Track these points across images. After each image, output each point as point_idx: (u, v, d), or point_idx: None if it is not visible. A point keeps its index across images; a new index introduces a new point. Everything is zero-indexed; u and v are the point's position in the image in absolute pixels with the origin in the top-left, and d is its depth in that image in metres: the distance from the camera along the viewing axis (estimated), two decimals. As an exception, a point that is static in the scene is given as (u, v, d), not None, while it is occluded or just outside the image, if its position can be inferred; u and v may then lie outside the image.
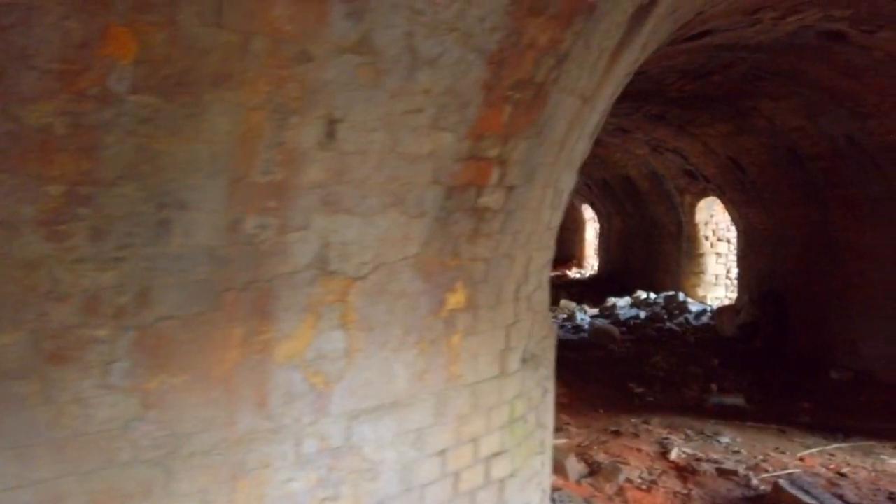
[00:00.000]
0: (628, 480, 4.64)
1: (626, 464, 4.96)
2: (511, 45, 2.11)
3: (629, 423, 6.01)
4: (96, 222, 1.59)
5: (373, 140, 1.99)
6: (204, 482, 1.87)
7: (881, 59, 5.81)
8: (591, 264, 19.96)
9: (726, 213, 11.36)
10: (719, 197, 10.94)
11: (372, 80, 1.87)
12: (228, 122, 1.68)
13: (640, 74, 7.14)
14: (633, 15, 2.64)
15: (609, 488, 4.48)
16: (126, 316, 1.70)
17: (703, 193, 11.96)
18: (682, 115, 9.14)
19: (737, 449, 5.43)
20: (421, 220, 2.28)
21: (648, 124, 10.08)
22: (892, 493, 4.55)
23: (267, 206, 1.86)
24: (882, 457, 5.31)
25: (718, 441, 5.60)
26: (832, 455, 5.35)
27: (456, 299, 2.53)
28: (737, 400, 6.72)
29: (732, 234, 12.05)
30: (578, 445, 5.35)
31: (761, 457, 5.26)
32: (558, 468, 4.53)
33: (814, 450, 5.44)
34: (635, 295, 13.07)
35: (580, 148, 3.21)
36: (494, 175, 2.48)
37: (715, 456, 5.21)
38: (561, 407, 6.42)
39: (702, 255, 12.87)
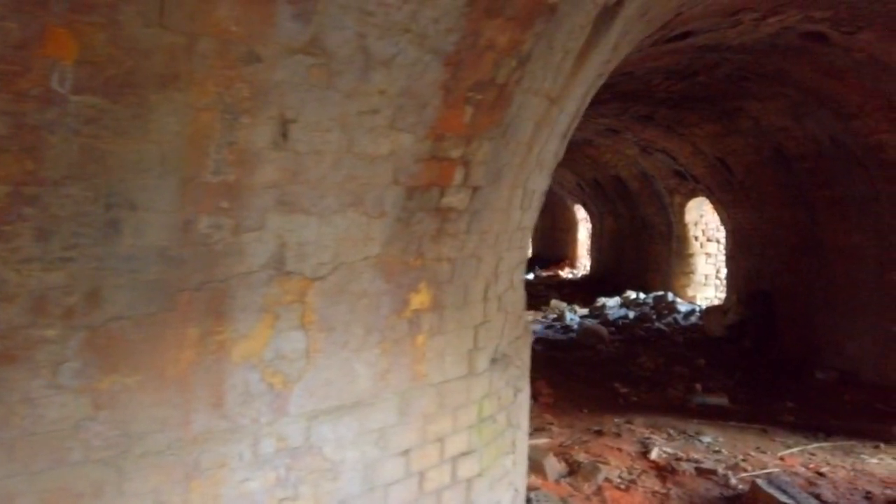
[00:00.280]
0: (607, 480, 4.65)
1: (607, 463, 4.97)
2: (468, 47, 2.11)
3: (612, 422, 6.02)
4: (42, 222, 1.59)
5: (328, 140, 1.99)
6: (157, 482, 1.88)
7: (862, 60, 5.83)
8: (583, 265, 19.97)
9: (716, 214, 11.38)
10: (708, 197, 10.97)
11: (325, 81, 1.88)
12: (177, 122, 1.69)
13: (626, 75, 7.16)
14: (597, 16, 2.64)
15: (587, 488, 4.49)
16: (75, 316, 1.70)
17: (693, 194, 11.99)
18: (670, 116, 9.16)
19: (718, 448, 5.45)
20: (381, 220, 2.28)
21: (637, 125, 10.10)
22: (869, 493, 4.57)
23: (220, 207, 1.87)
24: (862, 456, 5.34)
25: (700, 441, 5.61)
26: (813, 454, 5.38)
27: (420, 299, 2.54)
28: (720, 400, 6.76)
29: (722, 234, 12.07)
30: (560, 445, 5.36)
31: (742, 456, 5.27)
32: (537, 468, 4.54)
33: (794, 449, 5.46)
34: (625, 295, 13.10)
35: (551, 148, 3.21)
36: (458, 175, 2.48)
37: (695, 455, 5.23)
38: (545, 407, 6.44)
39: (691, 256, 12.90)
